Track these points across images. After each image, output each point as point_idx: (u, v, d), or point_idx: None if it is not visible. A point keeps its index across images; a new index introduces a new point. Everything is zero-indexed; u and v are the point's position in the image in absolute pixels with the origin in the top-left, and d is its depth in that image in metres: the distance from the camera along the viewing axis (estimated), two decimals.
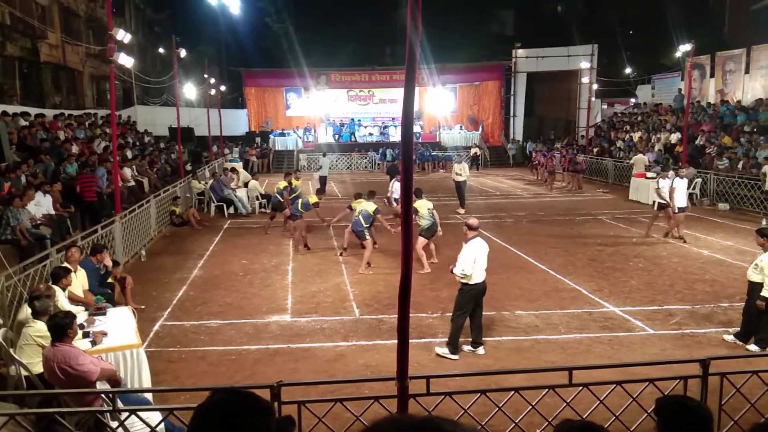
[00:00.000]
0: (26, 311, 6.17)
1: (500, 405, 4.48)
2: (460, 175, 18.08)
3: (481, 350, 7.46)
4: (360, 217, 11.53)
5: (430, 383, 4.45)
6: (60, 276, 7.07)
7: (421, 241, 11.25)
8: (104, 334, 6.21)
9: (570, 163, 23.67)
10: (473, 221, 7.63)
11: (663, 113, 27.24)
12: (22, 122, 16.13)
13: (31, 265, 8.09)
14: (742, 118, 22.00)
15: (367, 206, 11.67)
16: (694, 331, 8.10)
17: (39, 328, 5.69)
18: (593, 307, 9.13)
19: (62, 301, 6.73)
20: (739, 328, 7.75)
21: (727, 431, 4.73)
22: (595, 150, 28.30)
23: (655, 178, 19.53)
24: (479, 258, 7.30)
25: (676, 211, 13.27)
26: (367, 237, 11.53)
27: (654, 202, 14.73)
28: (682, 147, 20.70)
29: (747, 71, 24.01)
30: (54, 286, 6.81)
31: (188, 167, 21.80)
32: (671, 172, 14.29)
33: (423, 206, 11.40)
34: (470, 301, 7.36)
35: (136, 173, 17.73)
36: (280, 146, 33.18)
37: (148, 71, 35.23)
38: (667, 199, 13.36)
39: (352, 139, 33.90)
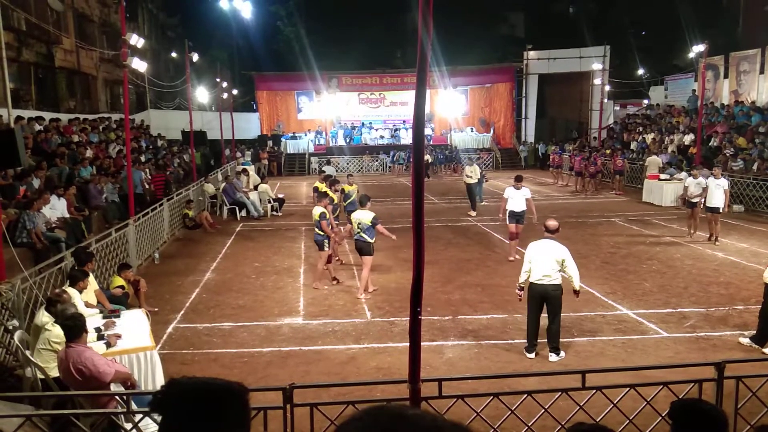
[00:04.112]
0: (43, 315, 6.21)
1: (513, 408, 4.46)
2: (471, 177, 18.06)
3: (552, 356, 7.26)
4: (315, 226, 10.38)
5: (443, 386, 4.44)
6: (78, 279, 7.13)
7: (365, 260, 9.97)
8: (118, 336, 6.27)
9: (586, 167, 23.45)
10: (550, 223, 7.55)
11: (676, 114, 27.04)
12: (38, 127, 16.33)
13: (47, 268, 8.17)
14: (757, 119, 21.77)
15: (315, 211, 10.40)
16: (709, 334, 8.02)
17: (58, 333, 5.72)
18: (606, 310, 9.07)
19: (78, 304, 6.79)
20: (754, 331, 7.67)
21: None
22: (608, 151, 28.14)
23: (669, 180, 19.47)
24: (534, 258, 7.26)
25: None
26: (326, 248, 10.32)
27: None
28: (696, 148, 20.53)
29: (762, 71, 23.78)
30: (69, 289, 6.87)
31: (212, 162, 22.60)
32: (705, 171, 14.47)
33: (355, 219, 10.09)
34: (531, 300, 7.37)
35: (150, 177, 17.89)
36: (292, 149, 33.33)
37: (161, 75, 35.52)
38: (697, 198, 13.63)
39: (363, 142, 34.02)
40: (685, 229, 14.30)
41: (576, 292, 7.44)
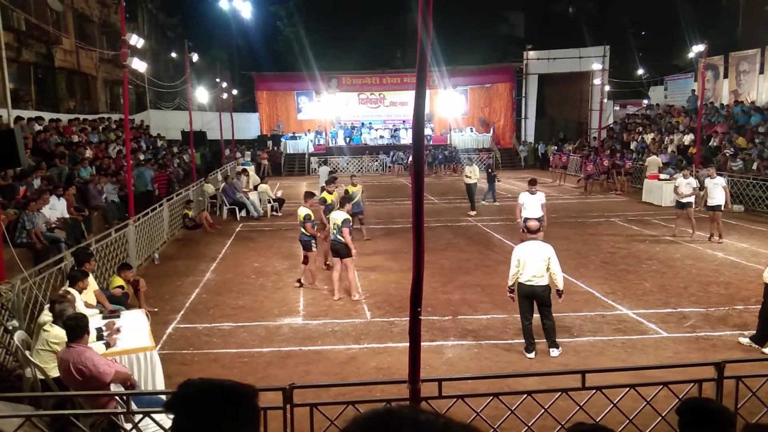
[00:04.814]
0: (45, 315, 6.21)
1: (513, 408, 4.46)
2: (470, 177, 18.06)
3: (553, 351, 7.35)
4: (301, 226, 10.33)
5: (442, 386, 4.44)
6: (77, 279, 7.14)
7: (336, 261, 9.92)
8: (117, 330, 6.30)
9: (585, 166, 23.44)
10: (531, 224, 7.76)
11: (676, 114, 27.04)
12: (37, 127, 16.33)
13: (47, 269, 8.17)
14: (757, 118, 21.77)
15: (300, 212, 10.40)
16: (709, 334, 8.02)
17: (56, 334, 5.72)
18: (606, 310, 9.07)
19: (79, 304, 6.79)
20: (754, 331, 7.67)
21: None
22: (607, 152, 28.15)
23: (669, 180, 19.47)
24: (523, 260, 7.29)
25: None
26: (313, 249, 10.33)
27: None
28: (696, 148, 20.53)
29: (761, 71, 23.78)
30: (72, 290, 6.88)
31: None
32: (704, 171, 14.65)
33: (331, 219, 9.96)
34: (522, 301, 7.42)
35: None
36: (292, 149, 33.34)
37: (160, 76, 35.50)
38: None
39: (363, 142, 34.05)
40: (683, 229, 14.28)
41: (559, 293, 7.38)
